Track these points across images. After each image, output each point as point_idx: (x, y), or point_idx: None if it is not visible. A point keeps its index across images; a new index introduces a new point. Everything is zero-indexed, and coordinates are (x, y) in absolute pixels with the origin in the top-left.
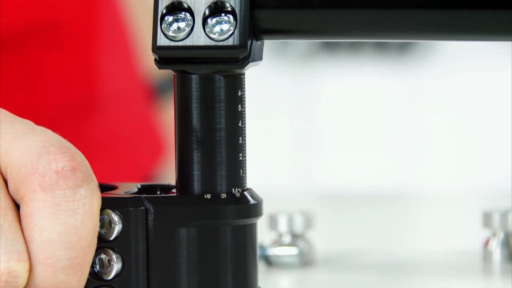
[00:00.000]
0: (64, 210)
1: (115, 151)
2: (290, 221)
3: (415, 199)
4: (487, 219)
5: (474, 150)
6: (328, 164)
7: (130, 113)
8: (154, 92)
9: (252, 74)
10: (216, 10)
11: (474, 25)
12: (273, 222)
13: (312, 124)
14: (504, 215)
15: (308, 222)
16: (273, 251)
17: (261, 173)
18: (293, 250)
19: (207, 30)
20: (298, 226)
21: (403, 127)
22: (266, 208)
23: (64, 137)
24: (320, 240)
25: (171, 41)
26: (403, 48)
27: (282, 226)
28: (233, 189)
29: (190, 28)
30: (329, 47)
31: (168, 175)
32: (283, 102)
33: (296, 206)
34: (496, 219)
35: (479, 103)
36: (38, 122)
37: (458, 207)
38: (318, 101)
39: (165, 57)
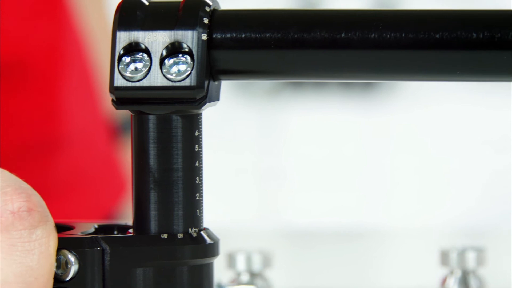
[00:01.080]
0: (20, 251)
1: (77, 189)
2: (248, 259)
3: (376, 236)
4: (444, 257)
5: (434, 187)
6: (293, 200)
7: (93, 152)
8: (116, 131)
9: (218, 109)
10: (173, 50)
11: (428, 65)
12: (231, 261)
13: (276, 160)
14: (461, 253)
15: (267, 260)
16: None
17: (225, 209)
18: None
19: (164, 70)
20: (256, 265)
21: (367, 164)
22: (229, 245)
23: (27, 176)
24: (279, 279)
25: (128, 82)
26: (368, 83)
27: (241, 264)
28: (190, 229)
29: (147, 68)
30: (295, 82)
31: (131, 213)
32: (248, 137)
33: (257, 243)
34: (453, 257)
35: (440, 139)
36: (1, 161)
37: (418, 244)
38: (283, 137)
39: (122, 97)
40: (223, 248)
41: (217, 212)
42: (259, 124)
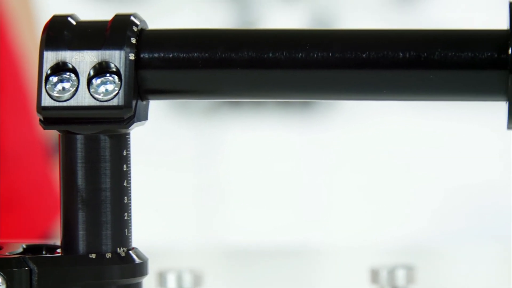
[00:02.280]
0: None
1: (14, 209)
2: (179, 278)
3: (310, 255)
4: (374, 275)
5: (371, 206)
6: (230, 218)
7: (29, 172)
8: (51, 151)
9: (155, 127)
10: (101, 70)
11: (355, 85)
12: (162, 280)
13: (214, 178)
14: (391, 271)
15: (197, 279)
16: None
17: (163, 227)
18: None
19: (91, 90)
20: (187, 284)
21: (305, 182)
22: (163, 264)
23: None
24: None
25: (55, 102)
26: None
27: (171, 283)
28: (118, 249)
29: (75, 88)
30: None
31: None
32: (186, 155)
33: (191, 262)
34: (383, 275)
35: (379, 156)
36: None
37: (350, 262)
38: (221, 154)
39: (50, 117)
40: (155, 267)
41: (155, 230)
42: (197, 142)
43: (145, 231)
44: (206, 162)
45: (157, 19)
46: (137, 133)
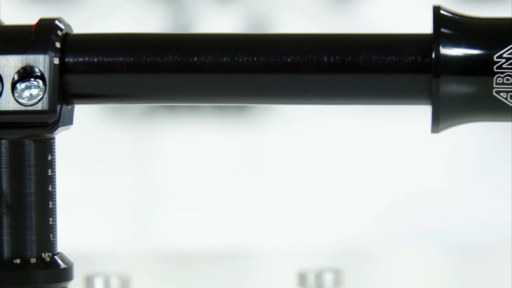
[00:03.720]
0: None
1: None
2: (106, 283)
3: (242, 258)
4: (302, 278)
5: (305, 210)
6: (166, 222)
7: None
8: None
9: (90, 131)
10: (25, 75)
11: (280, 89)
12: (89, 284)
13: (150, 181)
14: (319, 274)
15: (124, 284)
16: None
17: (97, 232)
18: None
19: (16, 95)
20: None
21: (243, 185)
22: (95, 268)
23: None
24: None
25: None
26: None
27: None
28: (43, 254)
29: None
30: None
31: None
32: (122, 159)
33: (123, 267)
34: (311, 278)
35: (317, 160)
36: None
37: (279, 266)
38: (158, 158)
39: None
40: (85, 271)
41: (90, 235)
42: (133, 145)
43: (79, 236)
44: (142, 165)
45: (91, 22)
46: (71, 138)
